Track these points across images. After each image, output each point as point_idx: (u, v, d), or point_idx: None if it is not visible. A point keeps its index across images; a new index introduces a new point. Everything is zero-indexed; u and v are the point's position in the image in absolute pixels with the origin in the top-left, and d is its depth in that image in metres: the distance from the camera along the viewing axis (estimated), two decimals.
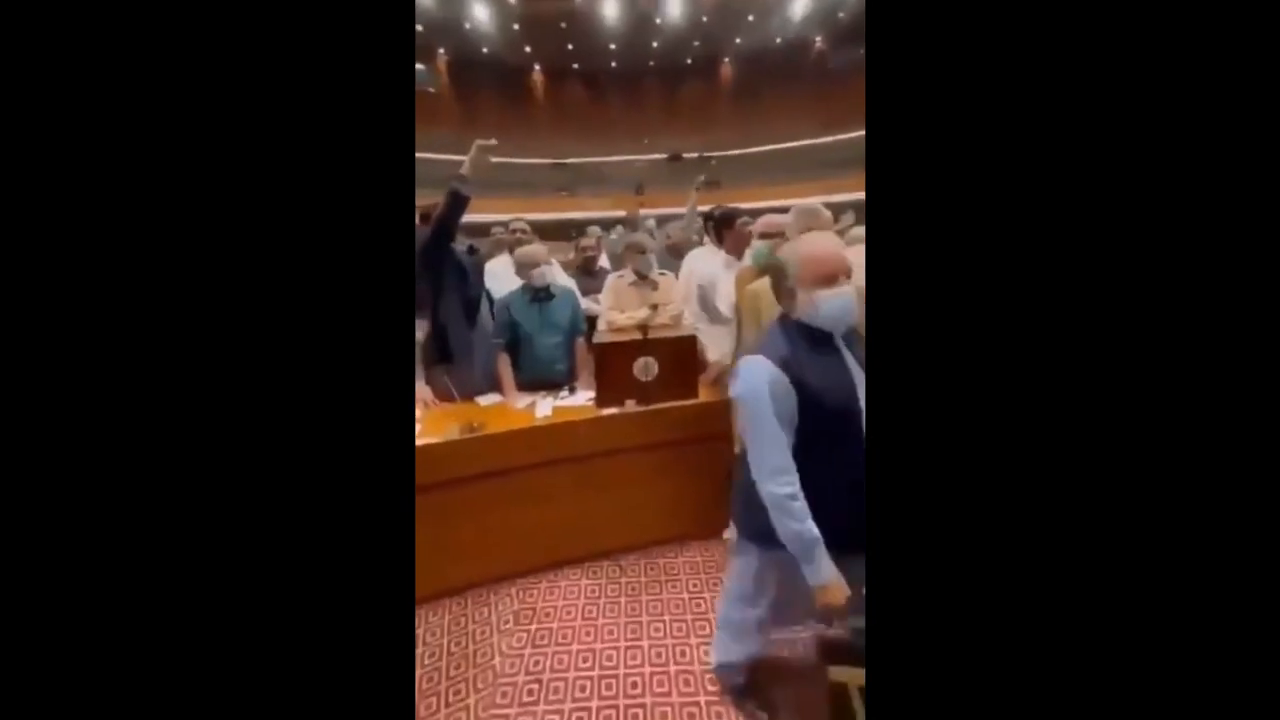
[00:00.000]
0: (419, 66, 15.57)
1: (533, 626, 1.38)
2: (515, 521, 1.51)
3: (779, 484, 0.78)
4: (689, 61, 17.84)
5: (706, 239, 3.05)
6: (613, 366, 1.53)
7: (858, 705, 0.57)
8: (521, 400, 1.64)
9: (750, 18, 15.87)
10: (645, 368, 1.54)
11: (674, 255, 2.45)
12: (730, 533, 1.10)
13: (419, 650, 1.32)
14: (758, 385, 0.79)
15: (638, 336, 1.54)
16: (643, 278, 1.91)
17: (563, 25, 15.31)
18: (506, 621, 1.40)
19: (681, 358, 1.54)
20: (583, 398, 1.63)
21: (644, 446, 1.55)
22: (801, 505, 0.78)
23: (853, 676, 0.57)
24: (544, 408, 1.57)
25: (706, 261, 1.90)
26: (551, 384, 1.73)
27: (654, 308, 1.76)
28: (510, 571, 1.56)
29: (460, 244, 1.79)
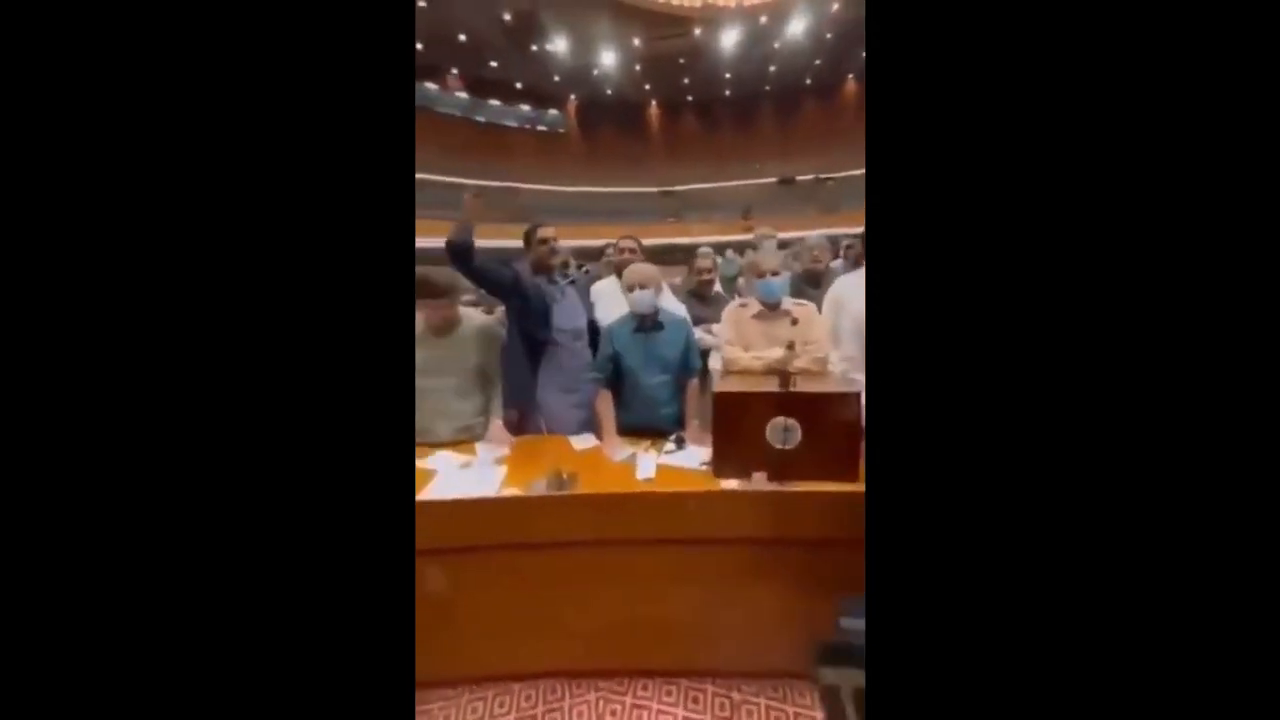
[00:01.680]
0: (552, 112, 17.58)
1: None
2: (600, 606, 1.20)
3: None
4: (808, 82, 17.24)
5: (837, 263, 2.52)
6: (737, 424, 1.16)
7: (850, 708, 0.55)
8: (620, 451, 1.36)
9: None
10: (784, 431, 1.14)
11: (810, 284, 2.03)
12: None
13: None
14: None
15: (774, 386, 1.16)
16: (771, 308, 1.53)
17: (681, 61, 15.95)
18: None
19: (837, 421, 1.11)
20: (695, 457, 1.29)
21: (776, 540, 1.14)
22: None
23: (846, 678, 0.55)
24: (646, 466, 1.26)
25: (861, 290, 1.45)
26: (656, 431, 1.43)
27: (790, 347, 1.35)
28: (589, 668, 1.24)
29: (569, 270, 1.71)
